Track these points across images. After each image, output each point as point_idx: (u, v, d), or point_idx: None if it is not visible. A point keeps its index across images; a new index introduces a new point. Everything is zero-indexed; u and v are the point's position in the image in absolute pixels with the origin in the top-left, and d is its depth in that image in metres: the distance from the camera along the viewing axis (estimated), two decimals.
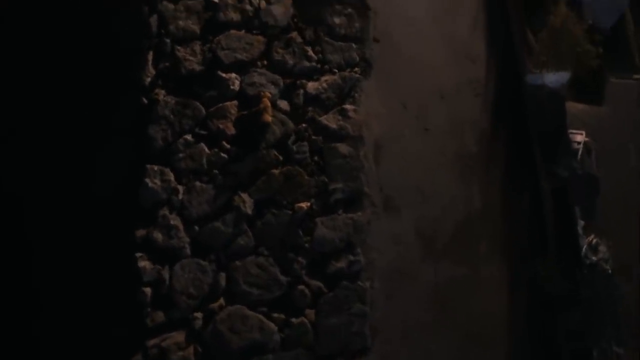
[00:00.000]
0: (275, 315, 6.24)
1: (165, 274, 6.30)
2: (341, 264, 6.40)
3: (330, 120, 6.79)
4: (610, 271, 6.37)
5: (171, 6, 7.08)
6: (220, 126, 6.73)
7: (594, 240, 6.47)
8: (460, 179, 6.60)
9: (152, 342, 6.10)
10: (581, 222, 6.45)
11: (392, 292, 6.28)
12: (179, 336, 6.16)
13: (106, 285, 6.20)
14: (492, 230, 6.42)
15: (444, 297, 6.26)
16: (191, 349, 6.13)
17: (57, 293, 6.15)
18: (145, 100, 6.75)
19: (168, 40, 6.95)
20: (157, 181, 6.56)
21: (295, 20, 7.09)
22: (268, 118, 6.70)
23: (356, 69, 6.96)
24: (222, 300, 6.27)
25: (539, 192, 6.45)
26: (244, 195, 6.51)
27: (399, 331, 6.20)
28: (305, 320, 6.27)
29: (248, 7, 7.11)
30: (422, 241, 6.43)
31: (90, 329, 6.13)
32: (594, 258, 6.31)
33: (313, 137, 6.74)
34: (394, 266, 6.32)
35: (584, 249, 6.31)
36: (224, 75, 6.86)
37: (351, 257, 6.41)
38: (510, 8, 6.95)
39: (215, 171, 6.58)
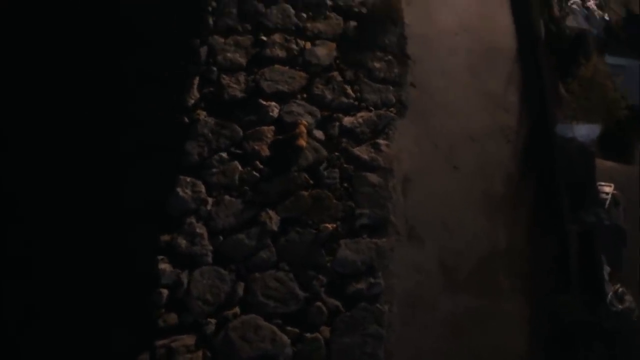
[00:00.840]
0: (289, 328, 6.10)
1: (184, 278, 6.30)
2: (361, 285, 6.32)
3: (362, 152, 6.97)
4: (636, 320, 6.18)
5: (221, 40, 7.58)
6: (256, 147, 6.96)
7: (620, 289, 6.32)
8: (485, 217, 6.59)
9: (161, 342, 6.01)
10: (607, 268, 6.35)
11: (409, 318, 6.13)
12: (189, 339, 6.05)
13: (121, 287, 6.23)
14: (514, 267, 6.32)
15: (461, 328, 6.07)
16: (200, 354, 5.99)
17: (71, 295, 6.18)
18: (186, 120, 7.10)
19: (215, 69, 7.39)
20: (188, 191, 6.72)
21: (337, 61, 7.47)
22: (302, 143, 6.92)
23: (392, 108, 7.21)
24: (237, 309, 6.20)
25: (565, 235, 6.43)
26: (271, 212, 6.60)
27: (413, 357, 6.01)
28: (320, 337, 6.11)
29: (294, 46, 7.55)
30: (443, 272, 6.34)
31: (100, 328, 6.10)
32: (619, 306, 6.15)
33: (344, 165, 6.88)
34: (414, 293, 6.20)
35: (609, 296, 6.17)
36: (264, 102, 7.19)
37: (371, 280, 6.35)
38: (543, 62, 7.26)
39: (246, 188, 6.72)
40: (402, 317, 6.05)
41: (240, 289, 6.23)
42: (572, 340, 5.87)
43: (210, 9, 7.80)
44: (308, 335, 6.04)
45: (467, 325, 6.02)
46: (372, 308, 6.15)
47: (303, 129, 6.97)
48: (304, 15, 7.79)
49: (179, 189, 6.68)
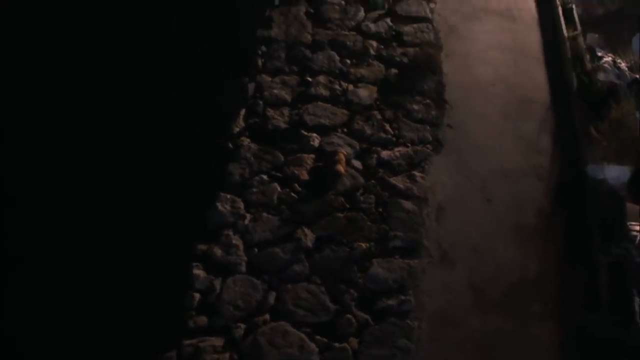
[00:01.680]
0: (318, 337, 6.06)
1: (217, 285, 6.37)
2: (391, 301, 6.27)
3: (398, 181, 7.11)
4: None
5: (268, 78, 8.00)
6: (295, 172, 7.16)
7: None
8: (516, 246, 6.55)
9: (189, 342, 6.02)
10: (637, 300, 6.23)
11: (439, 335, 6.01)
12: (217, 341, 6.02)
13: (155, 290, 6.33)
14: (544, 293, 6.25)
15: (489, 347, 5.94)
16: (227, 355, 5.94)
17: (110, 294, 6.30)
18: (230, 145, 7.41)
19: (261, 102, 7.77)
20: (227, 207, 6.90)
21: (378, 102, 7.79)
22: (341, 169, 7.10)
23: (428, 145, 7.44)
24: (267, 316, 6.21)
25: (594, 266, 6.37)
26: (307, 230, 6.69)
27: None
28: (348, 347, 6.03)
29: (337, 87, 7.91)
30: (473, 293, 6.27)
31: (131, 327, 6.16)
32: None
33: (380, 192, 7.04)
34: (443, 311, 6.12)
35: (639, 315, 6.05)
36: (305, 133, 7.49)
37: (402, 297, 6.29)
38: (575, 109, 7.45)
39: (284, 207, 6.89)
40: (431, 333, 5.98)
41: (271, 298, 6.25)
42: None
43: (259, 52, 8.31)
44: (336, 345, 5.99)
45: (496, 345, 5.92)
46: (402, 323, 6.10)
47: (342, 156, 7.19)
48: (348, 61, 8.20)
49: (218, 204, 6.87)
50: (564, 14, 8.26)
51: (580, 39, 8.18)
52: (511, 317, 6.09)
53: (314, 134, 7.44)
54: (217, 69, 7.98)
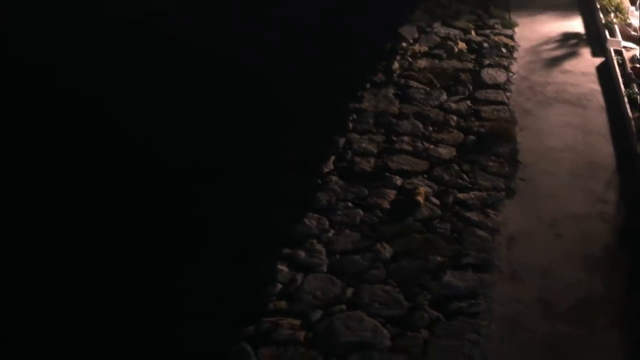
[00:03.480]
0: (391, 326, 6.26)
1: (299, 278, 6.72)
2: (462, 304, 6.43)
3: (472, 215, 7.49)
4: None
5: (357, 136, 8.80)
6: (378, 201, 7.65)
7: None
8: (584, 271, 6.47)
9: (267, 319, 6.32)
10: None
11: (507, 335, 5.97)
12: (294, 321, 6.29)
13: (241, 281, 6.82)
14: (611, 309, 6.30)
15: (556, 350, 5.94)
16: (302, 333, 6.12)
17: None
18: (319, 182, 8.07)
19: (350, 152, 8.50)
20: (314, 222, 7.40)
21: (456, 158, 8.39)
22: (420, 199, 7.54)
23: (501, 192, 7.89)
24: (343, 306, 6.46)
25: None
26: (386, 245, 7.08)
27: None
28: (419, 335, 6.16)
29: (419, 145, 8.60)
30: (542, 305, 6.18)
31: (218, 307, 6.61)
32: None
33: (455, 222, 7.40)
34: (512, 317, 6.06)
35: None
36: (388, 175, 8.11)
37: (472, 301, 6.41)
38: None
39: (365, 226, 7.34)
40: (500, 333, 6.05)
41: (349, 292, 6.54)
42: None
43: (351, 118, 9.20)
44: (408, 333, 6.16)
45: (562, 348, 5.97)
46: (472, 321, 6.21)
47: (422, 191, 7.68)
48: (430, 128, 8.90)
49: (305, 220, 7.41)
50: (629, 102, 8.93)
51: None
52: (578, 326, 6.11)
53: (397, 176, 8.05)
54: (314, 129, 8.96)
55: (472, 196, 7.71)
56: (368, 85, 9.92)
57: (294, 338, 6.04)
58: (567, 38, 11.30)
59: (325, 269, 6.81)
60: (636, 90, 9.23)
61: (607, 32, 11.02)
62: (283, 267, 6.81)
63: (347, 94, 9.73)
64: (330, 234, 7.21)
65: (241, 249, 7.17)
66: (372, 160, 8.34)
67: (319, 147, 8.59)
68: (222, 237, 7.31)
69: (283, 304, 6.43)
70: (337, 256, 6.95)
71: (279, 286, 6.61)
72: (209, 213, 7.66)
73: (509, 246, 7.04)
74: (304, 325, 6.20)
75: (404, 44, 11.06)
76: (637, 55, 10.42)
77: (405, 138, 8.69)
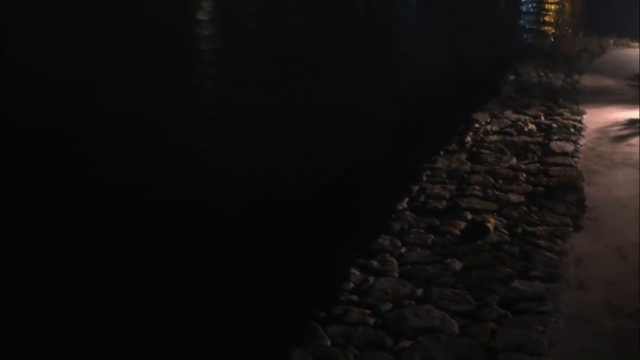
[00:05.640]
0: (459, 318, 6.32)
1: (371, 280, 6.95)
2: (531, 305, 6.46)
3: (541, 242, 7.64)
4: None
5: (431, 186, 9.21)
6: (449, 229, 7.96)
7: None
8: None
9: (339, 307, 6.55)
10: None
11: (575, 329, 6.03)
12: (365, 310, 6.50)
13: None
14: None
15: (623, 341, 5.85)
16: (372, 319, 6.31)
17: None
18: (393, 215, 8.46)
19: (423, 196, 8.90)
20: (387, 241, 7.73)
21: (525, 202, 8.58)
22: (490, 226, 7.81)
23: (569, 227, 7.99)
24: (413, 302, 6.62)
25: None
26: (456, 260, 7.30)
27: (574, 354, 5.78)
28: (488, 325, 6.19)
29: (489, 192, 8.83)
30: (610, 309, 6.01)
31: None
32: None
33: (524, 245, 7.53)
34: (580, 315, 6.10)
35: None
36: (459, 210, 8.42)
37: (540, 303, 6.47)
38: None
39: (436, 247, 7.62)
40: (568, 327, 6.11)
41: (417, 292, 6.72)
42: None
43: (425, 173, 9.67)
44: (476, 323, 6.26)
45: (631, 341, 5.94)
46: (540, 317, 6.28)
47: (492, 221, 7.93)
48: (500, 181, 9.28)
49: (379, 239, 7.75)
50: None
51: None
52: None
53: (467, 212, 8.35)
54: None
55: (541, 229, 7.86)
56: (442, 152, 10.44)
57: (364, 321, 6.22)
58: (633, 122, 11.65)
59: (396, 274, 7.03)
60: None
61: None
62: (355, 271, 7.08)
63: (421, 159, 10.28)
64: (402, 250, 7.49)
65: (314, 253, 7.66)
66: (444, 202, 8.68)
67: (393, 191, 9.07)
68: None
69: (354, 297, 6.63)
70: (409, 266, 7.18)
71: (351, 285, 6.85)
72: None
73: (576, 264, 7.10)
74: (374, 314, 6.37)
75: (477, 125, 11.66)
76: None
77: (476, 187, 9.01)
